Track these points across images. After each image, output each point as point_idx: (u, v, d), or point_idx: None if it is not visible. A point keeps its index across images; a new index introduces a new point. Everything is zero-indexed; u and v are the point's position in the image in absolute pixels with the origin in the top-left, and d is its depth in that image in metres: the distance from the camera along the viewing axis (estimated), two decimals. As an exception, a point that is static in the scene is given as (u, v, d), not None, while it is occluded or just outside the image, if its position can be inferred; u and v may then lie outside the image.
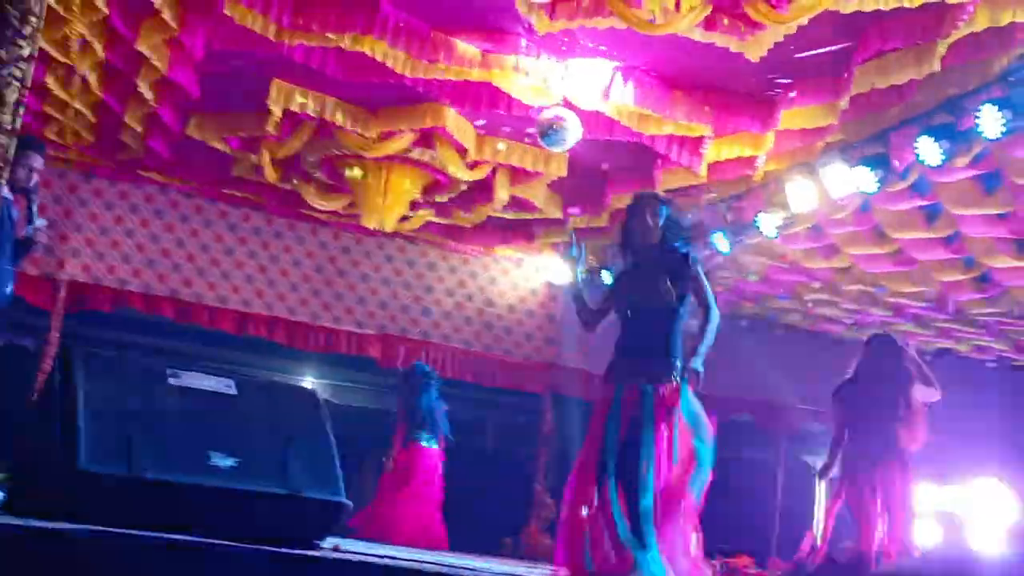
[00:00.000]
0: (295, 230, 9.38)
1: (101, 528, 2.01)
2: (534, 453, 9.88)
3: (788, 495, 11.10)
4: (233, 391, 2.72)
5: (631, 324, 4.83)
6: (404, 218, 8.49)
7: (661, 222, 4.84)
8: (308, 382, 10.63)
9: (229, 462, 2.48)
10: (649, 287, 4.75)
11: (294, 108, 6.96)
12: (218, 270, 9.09)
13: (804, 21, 5.23)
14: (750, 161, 6.81)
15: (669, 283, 4.70)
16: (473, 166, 7.60)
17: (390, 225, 8.29)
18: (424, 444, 8.36)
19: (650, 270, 4.80)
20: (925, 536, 7.60)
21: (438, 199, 8.43)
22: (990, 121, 5.45)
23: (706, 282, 4.78)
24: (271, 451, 2.60)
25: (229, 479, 2.47)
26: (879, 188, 6.32)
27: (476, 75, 6.19)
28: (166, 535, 2.03)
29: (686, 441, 4.65)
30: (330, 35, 5.96)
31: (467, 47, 6.09)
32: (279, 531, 2.54)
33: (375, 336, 9.52)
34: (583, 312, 5.04)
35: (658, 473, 4.55)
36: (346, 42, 5.98)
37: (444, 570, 2.48)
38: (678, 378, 4.63)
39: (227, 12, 5.73)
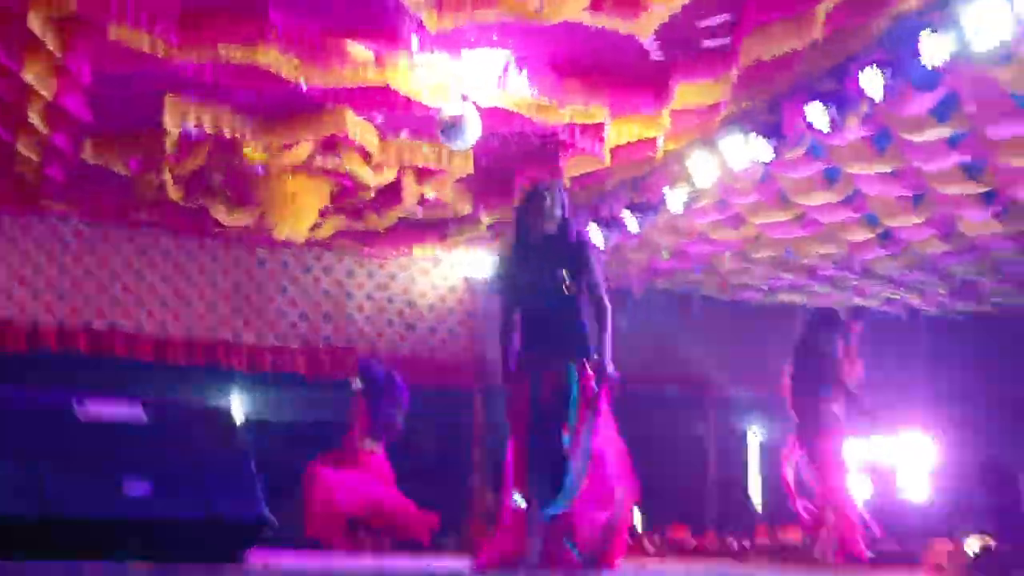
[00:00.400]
0: (207, 249, 9.28)
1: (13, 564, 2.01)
2: (469, 450, 9.91)
3: (721, 465, 11.31)
4: (143, 417, 2.69)
5: (535, 315, 4.87)
6: (316, 226, 8.46)
7: (558, 211, 4.87)
8: (237, 402, 10.53)
9: (143, 490, 2.46)
10: (548, 276, 4.78)
11: (190, 125, 6.87)
12: (132, 296, 8.95)
13: (687, -1, 5.35)
14: (651, 142, 6.91)
15: (567, 272, 4.76)
16: (379, 169, 7.59)
17: (302, 235, 8.26)
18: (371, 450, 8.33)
19: (548, 259, 4.83)
20: (858, 489, 7.84)
21: (348, 205, 8.41)
22: (872, 83, 5.62)
23: (597, 273, 4.87)
24: (186, 474, 2.59)
25: (144, 507, 2.45)
26: (776, 156, 6.47)
27: (372, 77, 6.17)
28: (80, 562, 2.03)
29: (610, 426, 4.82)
30: (220, 48, 5.90)
31: (360, 50, 6.07)
32: (201, 553, 2.53)
33: (298, 349, 9.46)
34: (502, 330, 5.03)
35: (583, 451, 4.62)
36: (237, 54, 5.93)
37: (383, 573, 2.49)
38: (595, 359, 4.72)
39: (112, 35, 5.65)
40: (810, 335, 7.56)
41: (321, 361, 9.51)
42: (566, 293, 4.77)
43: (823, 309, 7.86)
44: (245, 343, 9.27)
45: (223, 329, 9.23)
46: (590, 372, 4.74)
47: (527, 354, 4.88)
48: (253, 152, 7.33)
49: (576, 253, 4.86)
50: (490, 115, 6.58)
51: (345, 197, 8.22)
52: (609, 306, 4.87)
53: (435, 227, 9.15)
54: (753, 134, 6.48)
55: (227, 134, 6.98)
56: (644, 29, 5.61)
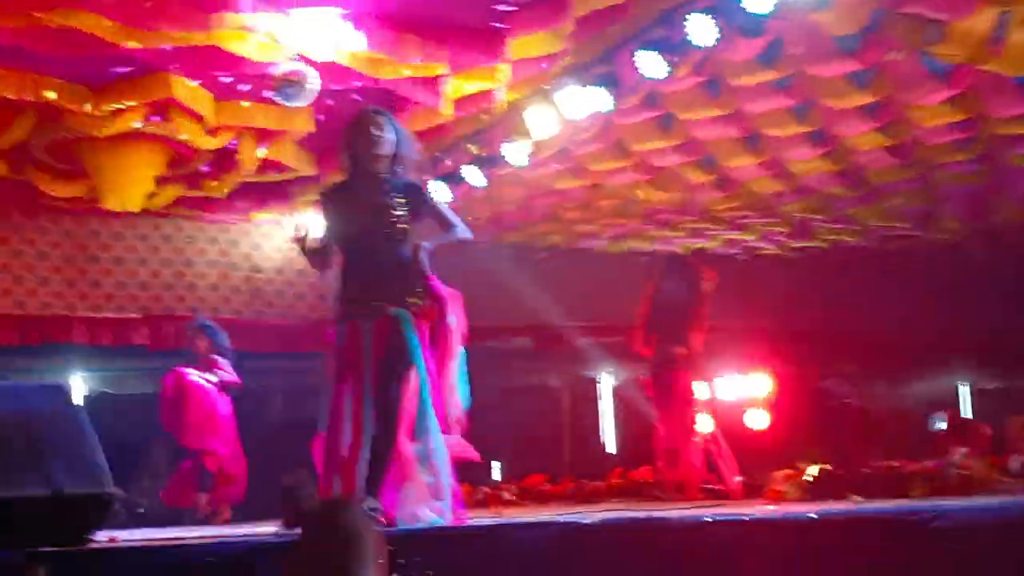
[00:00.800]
0: (36, 221, 8.86)
1: None
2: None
3: (576, 413, 11.55)
4: (-27, 398, 2.59)
5: (359, 254, 4.46)
6: (152, 195, 8.19)
7: (391, 140, 4.51)
8: (78, 378, 10.16)
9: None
10: (377, 212, 4.43)
11: (9, 94, 6.54)
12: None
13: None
14: (489, 94, 6.92)
15: (398, 209, 4.42)
16: (214, 133, 7.38)
17: (135, 205, 7.97)
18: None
19: (376, 193, 4.47)
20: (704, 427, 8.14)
21: (185, 171, 8.16)
22: (700, 30, 5.76)
23: (443, 206, 4.65)
24: (23, 453, 2.50)
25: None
26: (612, 106, 6.58)
27: (200, 39, 5.98)
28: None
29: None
30: (36, 13, 5.62)
31: (185, 10, 5.87)
32: (47, 533, 2.46)
33: (140, 319, 9.18)
34: (313, 261, 4.65)
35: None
36: (55, 19, 5.66)
37: (224, 545, 2.47)
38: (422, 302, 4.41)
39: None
40: (662, 282, 7.90)
41: (164, 331, 9.26)
42: (397, 229, 4.41)
43: (674, 256, 8.21)
44: (81, 316, 8.92)
45: (58, 304, 8.87)
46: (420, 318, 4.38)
47: (350, 295, 4.46)
48: (79, 121, 7.03)
49: (411, 192, 4.50)
50: (326, 71, 6.47)
51: (181, 164, 7.96)
52: (466, 229, 4.60)
53: (277, 190, 8.97)
54: (590, 84, 6.56)
55: (50, 101, 6.67)
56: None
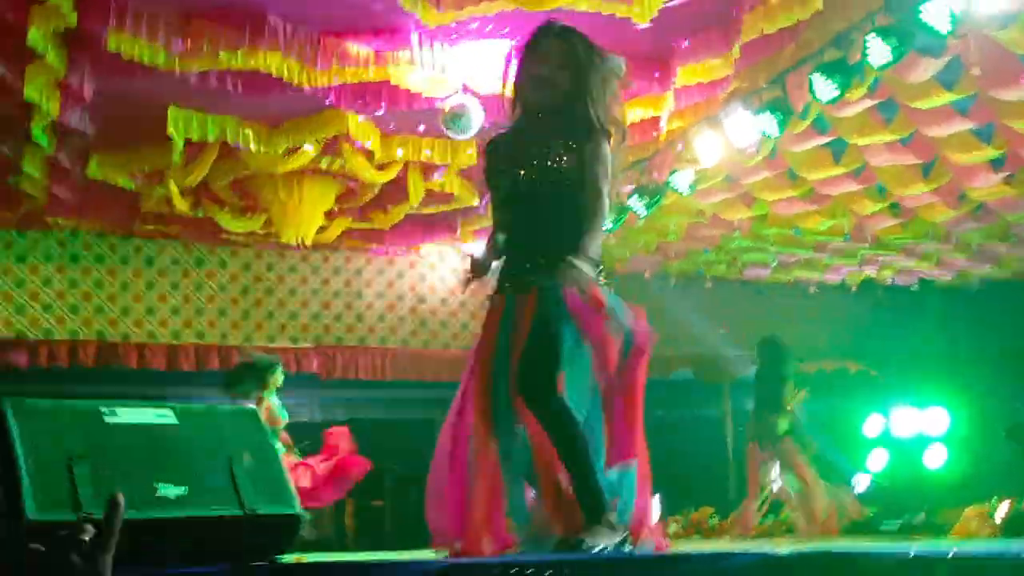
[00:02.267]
0: (215, 255, 9.28)
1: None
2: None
3: (740, 445, 11.27)
4: (173, 420, 2.68)
5: (516, 211, 3.56)
6: (322, 229, 8.46)
7: (570, 67, 3.48)
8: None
9: (178, 491, 2.45)
10: (541, 156, 3.48)
11: (192, 136, 6.86)
12: (142, 306, 8.96)
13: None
14: (654, 122, 6.88)
15: (567, 152, 3.46)
16: (383, 167, 7.57)
17: (309, 238, 8.24)
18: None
19: (544, 134, 3.51)
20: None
21: (353, 205, 8.41)
22: (877, 50, 5.58)
23: (601, 166, 3.45)
24: (219, 474, 2.58)
25: (180, 508, 2.44)
26: (782, 131, 6.43)
27: (372, 75, 6.16)
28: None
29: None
30: (220, 54, 5.89)
31: (359, 48, 6.06)
32: (238, 553, 2.53)
33: (312, 349, 9.46)
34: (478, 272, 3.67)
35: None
36: (238, 59, 5.91)
37: (426, 565, 2.49)
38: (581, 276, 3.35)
39: (112, 47, 5.63)
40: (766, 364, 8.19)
41: (333, 360, 9.49)
42: (563, 179, 3.46)
43: (771, 338, 8.32)
44: (258, 346, 9.26)
45: (234, 334, 9.24)
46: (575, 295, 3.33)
47: (505, 263, 3.57)
48: (257, 159, 7.32)
49: (582, 134, 3.46)
50: (492, 103, 6.55)
51: (351, 197, 8.22)
52: (606, 205, 3.50)
53: (442, 221, 9.13)
54: (759, 110, 6.44)
55: (230, 141, 6.98)
56: (643, 13, 5.57)
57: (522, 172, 3.50)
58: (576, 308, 3.34)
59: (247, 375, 7.19)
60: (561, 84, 3.49)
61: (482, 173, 3.78)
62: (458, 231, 9.25)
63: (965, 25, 5.39)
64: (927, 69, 5.99)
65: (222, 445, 2.62)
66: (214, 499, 2.46)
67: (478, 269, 3.67)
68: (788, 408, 7.92)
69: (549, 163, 3.47)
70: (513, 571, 2.32)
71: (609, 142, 3.54)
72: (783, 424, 7.86)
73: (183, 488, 2.41)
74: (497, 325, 3.49)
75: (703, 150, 7.00)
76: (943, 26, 5.35)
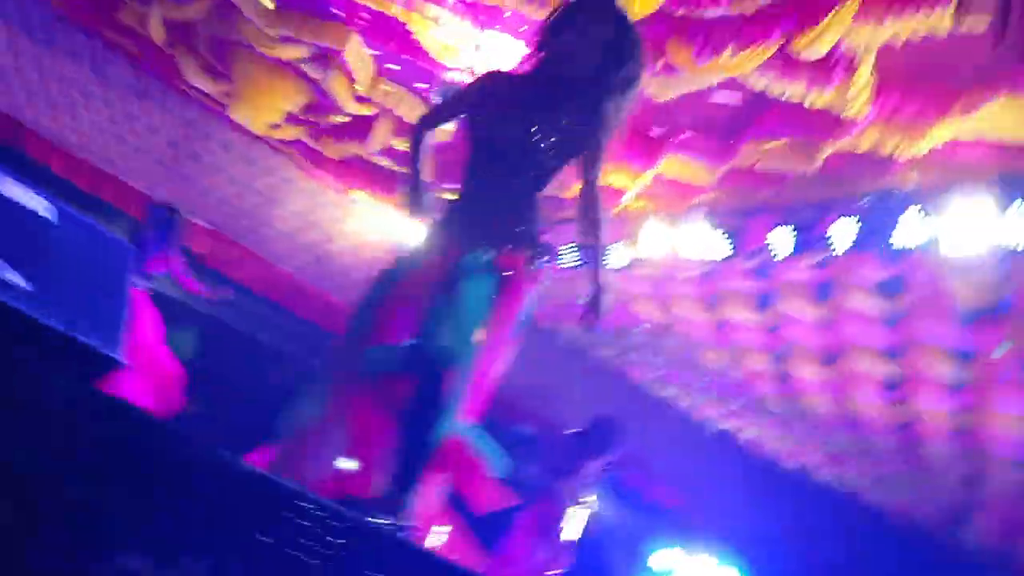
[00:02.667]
0: (164, 97, 8.99)
1: None
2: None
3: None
4: (54, 219, 2.58)
5: (490, 169, 3.41)
6: (275, 126, 8.32)
7: (629, 73, 3.32)
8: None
9: (23, 283, 2.36)
10: (541, 128, 3.34)
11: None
12: (69, 105, 8.66)
13: (715, 81, 5.41)
14: (620, 192, 6.94)
15: (564, 141, 3.33)
16: (360, 101, 7.49)
17: (258, 127, 8.09)
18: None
19: (552, 107, 3.35)
20: None
21: (314, 120, 8.27)
22: (842, 234, 5.73)
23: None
24: (67, 288, 2.49)
25: (14, 298, 2.35)
26: (727, 260, 6.56)
27: (395, 11, 6.10)
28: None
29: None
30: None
31: (397, -19, 6.00)
32: (37, 374, 2.44)
33: (205, 230, 9.26)
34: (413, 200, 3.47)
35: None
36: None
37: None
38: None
39: None
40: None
41: (225, 251, 9.30)
42: (551, 156, 3.35)
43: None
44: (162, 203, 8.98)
45: (140, 175, 8.97)
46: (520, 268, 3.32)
47: (447, 230, 3.45)
48: (250, 31, 7.16)
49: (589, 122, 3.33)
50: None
51: (315, 111, 8.09)
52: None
53: (387, 179, 9.04)
54: (717, 229, 6.55)
55: (234, 1, 6.82)
56: (663, 91, 5.64)
57: (530, 129, 3.34)
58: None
59: (157, 226, 7.09)
60: (600, 62, 3.32)
61: (465, 93, 3.66)
62: (395, 195, 9.16)
63: (926, 253, 5.57)
64: (875, 273, 6.18)
65: (86, 264, 2.53)
66: (50, 308, 2.37)
67: (417, 199, 3.52)
68: None
69: (558, 138, 3.34)
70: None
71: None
72: None
73: (30, 285, 2.31)
74: (438, 280, 3.35)
75: (648, 240, 7.08)
76: (907, 244, 5.53)
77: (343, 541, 2.39)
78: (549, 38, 3.38)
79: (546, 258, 3.45)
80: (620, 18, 3.39)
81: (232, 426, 5.21)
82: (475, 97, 3.55)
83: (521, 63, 3.59)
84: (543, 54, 3.40)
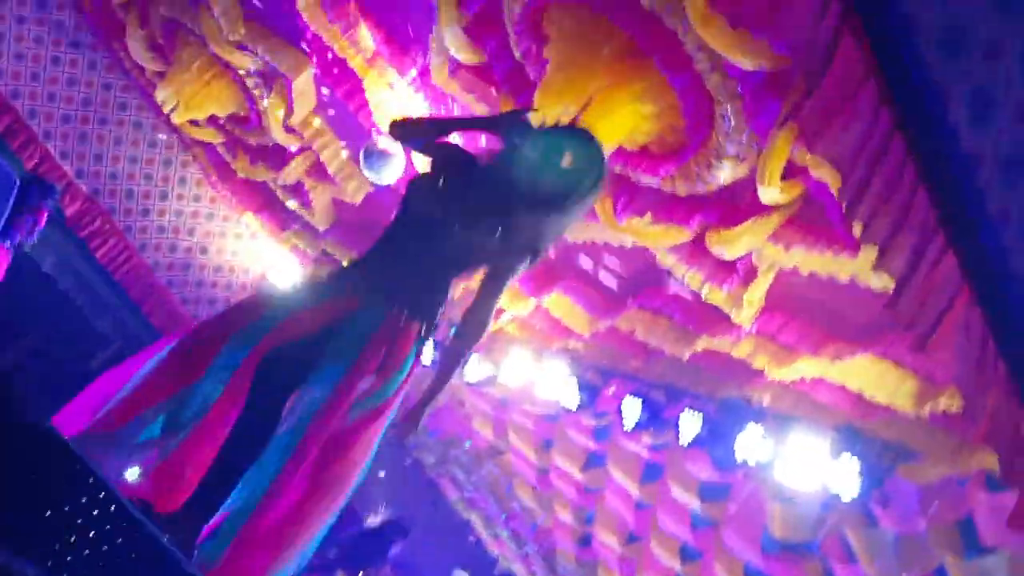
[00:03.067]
0: (95, 53, 8.71)
1: None
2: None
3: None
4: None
5: (415, 236, 3.40)
6: (195, 124, 8.18)
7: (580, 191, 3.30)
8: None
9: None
10: (489, 211, 3.32)
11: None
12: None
13: (627, 242, 5.56)
14: (499, 311, 6.99)
15: (505, 240, 3.32)
16: (288, 131, 7.44)
17: (178, 117, 7.92)
18: None
19: (499, 205, 3.32)
20: None
21: (235, 132, 8.17)
22: (688, 426, 5.87)
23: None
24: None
25: None
26: (574, 409, 6.63)
27: (356, 62, 6.14)
28: None
29: None
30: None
31: (367, 35, 6.04)
32: None
33: (84, 195, 8.89)
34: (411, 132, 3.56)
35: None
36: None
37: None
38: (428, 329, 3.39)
39: None
40: None
41: (91, 220, 8.92)
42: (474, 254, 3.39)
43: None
44: (43, 147, 8.60)
45: (37, 119, 8.58)
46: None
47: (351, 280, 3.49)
48: (209, 27, 7.07)
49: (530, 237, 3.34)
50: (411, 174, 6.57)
51: (240, 124, 7.99)
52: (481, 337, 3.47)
53: (283, 214, 8.94)
54: (574, 379, 6.63)
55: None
56: (577, 233, 5.76)
57: (472, 215, 3.33)
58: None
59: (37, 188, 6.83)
60: (558, 188, 3.32)
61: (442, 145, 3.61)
62: (284, 234, 9.06)
63: (754, 471, 5.74)
64: (705, 473, 6.32)
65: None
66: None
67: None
68: None
69: (498, 224, 3.34)
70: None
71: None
72: None
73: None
74: (326, 316, 3.34)
75: (509, 366, 7.11)
76: (743, 455, 5.68)
77: (115, 540, 2.29)
78: (514, 138, 3.39)
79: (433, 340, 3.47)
80: (591, 142, 3.40)
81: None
82: (442, 156, 3.56)
83: (476, 151, 3.63)
84: (503, 151, 3.42)
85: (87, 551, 2.24)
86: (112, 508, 2.24)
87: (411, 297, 3.41)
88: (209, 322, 3.54)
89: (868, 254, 3.64)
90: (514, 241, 3.37)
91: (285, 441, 3.22)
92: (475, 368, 7.41)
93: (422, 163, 3.75)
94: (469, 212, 3.36)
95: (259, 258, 9.67)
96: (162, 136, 8.97)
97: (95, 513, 2.25)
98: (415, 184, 3.57)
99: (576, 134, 3.41)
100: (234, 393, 3.18)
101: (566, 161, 3.30)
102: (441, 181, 3.47)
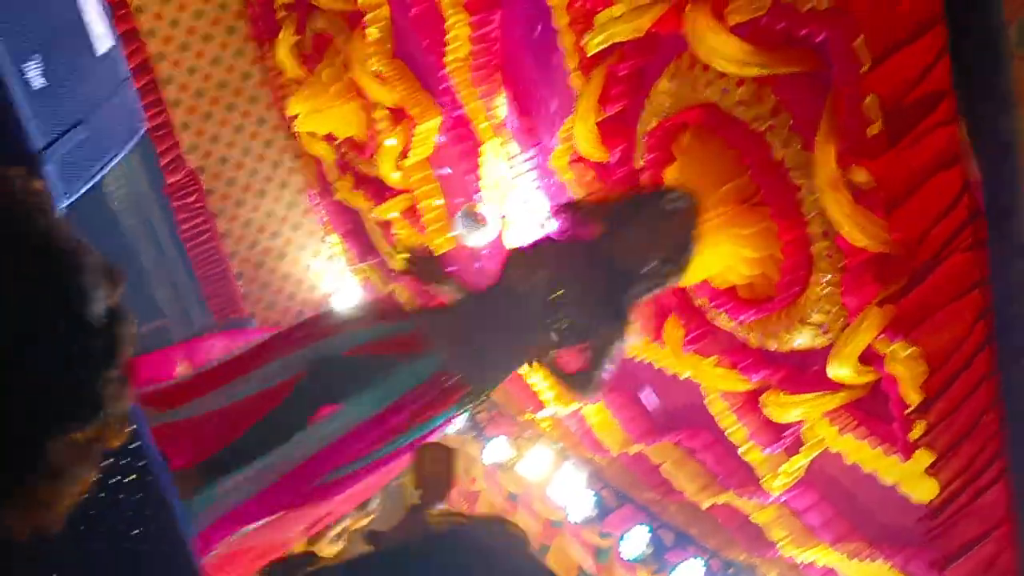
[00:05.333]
0: (247, 42, 8.94)
1: None
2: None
3: None
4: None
5: (506, 302, 3.71)
6: (313, 135, 8.40)
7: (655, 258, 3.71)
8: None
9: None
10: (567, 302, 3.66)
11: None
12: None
13: (683, 373, 5.54)
14: (542, 404, 6.97)
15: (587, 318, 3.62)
16: (398, 170, 7.58)
17: (301, 126, 8.11)
18: None
19: (587, 285, 3.68)
20: None
21: (348, 155, 8.32)
22: (688, 574, 5.79)
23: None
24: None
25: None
26: (581, 521, 6.58)
27: (482, 126, 6.27)
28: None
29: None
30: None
31: (503, 104, 6.14)
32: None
33: (189, 168, 9.03)
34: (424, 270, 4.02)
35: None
36: None
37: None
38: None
39: None
40: None
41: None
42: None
43: None
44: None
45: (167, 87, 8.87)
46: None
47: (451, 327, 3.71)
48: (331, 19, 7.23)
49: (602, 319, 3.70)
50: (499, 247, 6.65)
51: (354, 149, 8.17)
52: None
53: (366, 245, 9.04)
54: (590, 492, 6.57)
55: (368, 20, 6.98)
56: (636, 350, 5.78)
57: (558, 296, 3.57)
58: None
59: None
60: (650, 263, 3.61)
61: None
62: (363, 264, 9.15)
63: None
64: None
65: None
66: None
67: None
68: None
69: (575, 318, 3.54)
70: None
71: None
72: None
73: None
74: (387, 348, 3.52)
75: (531, 459, 7.09)
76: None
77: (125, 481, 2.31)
78: (614, 219, 3.61)
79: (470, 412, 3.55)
80: (688, 229, 3.65)
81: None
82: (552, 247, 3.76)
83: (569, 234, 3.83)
84: (601, 233, 3.65)
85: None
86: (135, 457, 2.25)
87: (471, 362, 3.50)
88: (283, 334, 3.64)
89: (920, 460, 3.62)
90: (594, 326, 3.59)
91: (300, 452, 3.28)
92: (496, 449, 7.41)
93: (514, 237, 3.88)
94: (567, 288, 3.60)
95: (328, 280, 9.78)
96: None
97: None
98: (516, 255, 3.63)
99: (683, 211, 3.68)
100: (280, 390, 3.26)
101: (663, 237, 3.59)
102: (540, 256, 3.68)
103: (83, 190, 2.76)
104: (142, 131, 3.45)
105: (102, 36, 3.07)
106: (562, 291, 3.50)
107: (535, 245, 3.73)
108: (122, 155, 3.20)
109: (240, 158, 9.24)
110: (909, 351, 3.38)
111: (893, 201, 2.91)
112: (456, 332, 3.53)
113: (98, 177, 2.94)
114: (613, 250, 3.54)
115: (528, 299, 3.54)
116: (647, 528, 6.09)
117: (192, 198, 8.99)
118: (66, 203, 2.63)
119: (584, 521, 6.59)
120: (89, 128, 2.78)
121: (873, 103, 2.86)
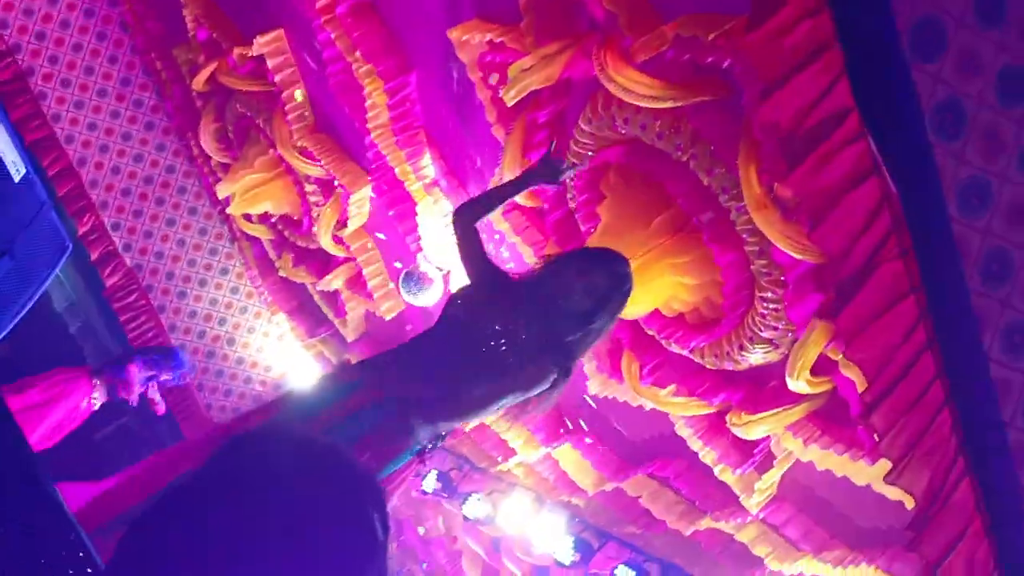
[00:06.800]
0: (168, 135, 8.93)
1: None
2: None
3: None
4: (16, 173, 2.58)
5: (451, 342, 3.67)
6: (249, 218, 8.36)
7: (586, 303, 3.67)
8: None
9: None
10: (523, 319, 3.62)
11: (266, 52, 6.83)
12: (80, 88, 8.49)
13: (646, 405, 5.55)
14: (511, 451, 6.94)
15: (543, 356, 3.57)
16: (336, 241, 7.57)
17: (234, 209, 8.08)
18: None
19: (540, 310, 3.65)
20: None
21: (286, 232, 8.30)
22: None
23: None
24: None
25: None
26: (567, 566, 6.53)
27: (415, 187, 6.29)
28: None
29: None
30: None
31: (430, 164, 6.18)
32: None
33: (127, 268, 8.94)
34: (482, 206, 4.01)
35: None
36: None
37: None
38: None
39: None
40: None
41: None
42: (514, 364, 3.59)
43: None
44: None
45: (98, 188, 8.75)
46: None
47: (399, 367, 3.68)
48: (280, 131, 7.28)
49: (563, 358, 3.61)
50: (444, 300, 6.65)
51: (291, 226, 8.14)
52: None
53: (315, 320, 9.01)
54: (571, 535, 6.54)
55: (284, 100, 6.99)
56: (597, 387, 5.79)
57: (504, 316, 3.60)
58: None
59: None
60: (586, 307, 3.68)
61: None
62: (313, 339, 9.12)
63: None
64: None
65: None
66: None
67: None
68: None
69: (524, 350, 3.56)
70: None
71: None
72: None
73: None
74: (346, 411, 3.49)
75: (508, 509, 7.05)
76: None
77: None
78: (553, 266, 3.79)
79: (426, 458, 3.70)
80: (623, 279, 3.78)
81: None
82: (485, 273, 3.87)
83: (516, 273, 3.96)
84: (538, 273, 3.81)
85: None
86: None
87: (425, 406, 3.56)
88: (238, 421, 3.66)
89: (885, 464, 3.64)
90: (540, 354, 3.59)
91: None
92: (474, 506, 7.34)
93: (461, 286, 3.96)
94: (503, 320, 3.61)
95: (282, 359, 9.71)
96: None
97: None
98: (456, 296, 3.85)
99: (608, 256, 3.81)
100: None
101: (598, 279, 3.68)
102: (480, 294, 3.76)
103: (14, 323, 2.73)
104: (68, 249, 3.42)
105: (15, 162, 3.06)
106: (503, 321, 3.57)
107: (473, 286, 3.82)
108: (50, 278, 3.17)
109: (176, 250, 9.18)
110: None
111: (816, 216, 2.95)
112: (404, 379, 3.55)
113: (29, 305, 2.91)
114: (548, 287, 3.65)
115: (470, 329, 3.61)
116: (632, 568, 6.06)
117: (133, 297, 8.89)
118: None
119: (571, 564, 6.54)
120: (13, 258, 2.77)
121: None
